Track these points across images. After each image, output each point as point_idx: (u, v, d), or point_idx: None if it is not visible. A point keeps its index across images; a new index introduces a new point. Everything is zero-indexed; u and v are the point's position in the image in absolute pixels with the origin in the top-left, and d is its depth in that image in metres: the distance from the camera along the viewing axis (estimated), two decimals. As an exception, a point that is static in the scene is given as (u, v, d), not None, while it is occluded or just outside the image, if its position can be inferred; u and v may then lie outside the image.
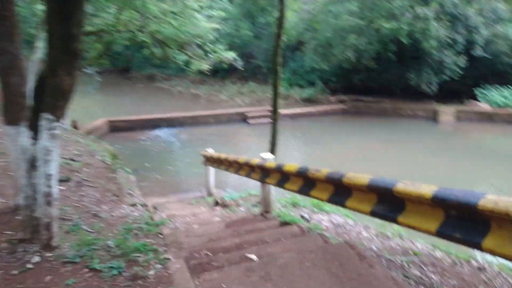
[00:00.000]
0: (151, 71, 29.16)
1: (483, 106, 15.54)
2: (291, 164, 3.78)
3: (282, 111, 16.88)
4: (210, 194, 8.07)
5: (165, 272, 2.42)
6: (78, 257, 2.52)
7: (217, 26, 10.15)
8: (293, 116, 16.59)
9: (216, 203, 6.94)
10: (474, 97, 16.30)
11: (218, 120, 15.78)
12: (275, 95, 5.82)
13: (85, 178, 5.19)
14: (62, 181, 4.84)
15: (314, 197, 3.31)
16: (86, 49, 11.82)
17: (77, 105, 20.28)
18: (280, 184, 4.01)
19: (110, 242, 2.76)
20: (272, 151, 6.10)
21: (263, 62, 23.40)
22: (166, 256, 2.65)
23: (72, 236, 2.94)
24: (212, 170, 7.97)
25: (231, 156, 6.05)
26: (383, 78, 19.41)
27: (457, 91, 17.84)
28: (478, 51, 15.68)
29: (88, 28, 9.20)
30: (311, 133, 14.88)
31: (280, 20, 5.43)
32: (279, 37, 5.68)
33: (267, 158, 4.82)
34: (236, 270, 2.58)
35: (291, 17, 18.47)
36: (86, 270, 2.38)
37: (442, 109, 15.67)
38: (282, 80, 22.17)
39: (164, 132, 14.53)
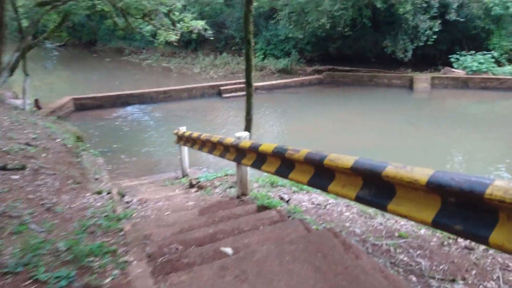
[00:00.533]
0: (118, 44, 27.72)
1: (458, 72, 15.56)
2: (268, 143, 3.46)
3: (258, 83, 16.45)
4: (185, 175, 7.72)
5: (123, 279, 2.09)
6: (21, 266, 2.14)
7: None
8: (269, 88, 16.18)
9: (191, 185, 6.61)
10: (449, 63, 16.28)
11: (192, 94, 15.19)
12: (248, 67, 5.40)
13: (43, 165, 4.72)
14: (15, 169, 4.37)
15: (293, 180, 3.03)
16: (42, 21, 10.88)
17: (40, 82, 19.36)
18: (256, 165, 3.70)
19: (60, 245, 2.39)
20: (248, 127, 5.75)
21: (236, 31, 22.59)
22: (125, 258, 2.31)
23: (17, 238, 2.55)
24: (186, 150, 7.57)
25: (204, 135, 5.67)
26: (359, 46, 19.14)
27: (431, 57, 17.79)
28: (452, 15, 15.50)
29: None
30: (288, 106, 14.57)
31: None
32: (249, 2, 5.20)
33: (242, 137, 4.48)
34: (208, 270, 2.28)
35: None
36: (29, 282, 2.02)
37: (417, 77, 15.61)
38: (256, 51, 21.53)
39: (135, 109, 13.86)
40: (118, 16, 9.55)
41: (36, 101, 12.39)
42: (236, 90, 15.26)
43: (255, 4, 19.67)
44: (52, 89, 18.19)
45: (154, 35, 10.07)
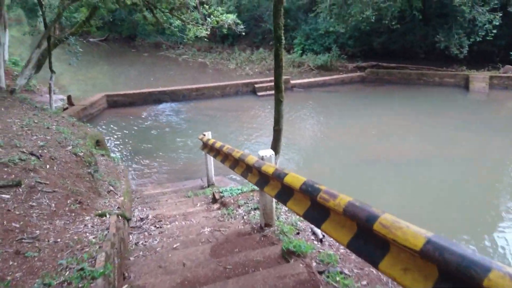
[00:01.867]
0: (156, 39, 27.70)
1: (522, 71, 13.76)
2: (295, 175, 2.67)
3: (295, 80, 15.53)
4: (210, 184, 7.09)
5: None
6: None
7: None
8: (307, 86, 15.21)
9: (214, 199, 5.96)
10: (509, 61, 14.47)
11: (225, 92, 14.55)
12: (278, 68, 4.58)
13: (42, 181, 4.17)
14: (8, 186, 3.85)
15: (328, 234, 2.23)
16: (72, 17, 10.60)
17: (84, 76, 19.63)
18: (281, 198, 2.94)
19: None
20: (276, 140, 4.93)
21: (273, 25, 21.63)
22: None
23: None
24: (211, 157, 6.92)
25: (226, 147, 4.94)
26: (406, 40, 17.64)
27: (489, 53, 15.99)
28: (517, 7, 13.67)
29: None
30: (326, 106, 13.54)
31: None
32: None
33: (266, 157, 3.69)
34: None
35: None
36: None
37: (473, 75, 13.94)
38: (294, 46, 20.54)
39: (167, 107, 13.44)
40: (147, 10, 9.01)
41: (69, 97, 12.26)
42: (272, 88, 14.32)
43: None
44: (94, 84, 18.39)
45: (182, 29, 9.46)
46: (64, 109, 11.43)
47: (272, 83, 14.91)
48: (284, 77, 15.54)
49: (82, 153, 5.41)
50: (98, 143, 6.94)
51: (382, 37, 18.48)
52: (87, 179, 5.18)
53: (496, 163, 8.26)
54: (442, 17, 16.06)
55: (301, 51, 19.75)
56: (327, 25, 18.00)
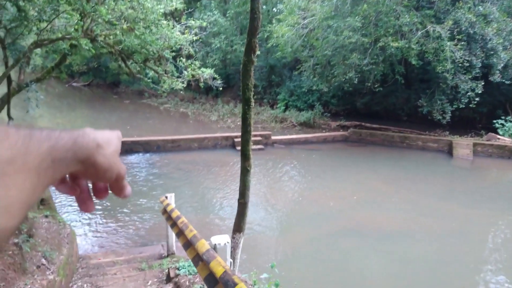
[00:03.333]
0: (140, 86, 27.50)
1: (504, 139, 13.67)
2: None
3: (276, 136, 15.10)
4: (170, 253, 6.21)
5: None
6: None
7: (193, 37, 8.39)
8: (288, 143, 14.76)
9: (168, 277, 5.07)
10: (491, 129, 14.46)
11: (203, 145, 13.93)
12: (245, 134, 3.97)
13: None
14: None
15: None
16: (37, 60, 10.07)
17: (63, 119, 18.87)
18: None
19: None
20: (240, 217, 4.18)
21: (259, 80, 21.76)
22: None
23: None
24: (171, 223, 6.09)
25: (181, 220, 4.18)
26: (389, 102, 17.73)
27: (470, 119, 16.08)
28: (496, 77, 13.89)
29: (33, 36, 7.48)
30: (307, 165, 12.99)
31: (252, 25, 3.67)
32: (251, 51, 3.90)
33: (220, 246, 2.95)
34: None
35: (286, 32, 16.87)
36: None
37: (457, 141, 13.75)
38: (278, 101, 20.48)
39: (139, 158, 12.65)
40: (121, 60, 8.56)
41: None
42: (252, 143, 13.91)
43: (277, 54, 18.94)
44: (73, 126, 17.64)
45: (156, 81, 9.02)
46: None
47: (254, 138, 14.45)
48: (265, 132, 14.96)
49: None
50: (43, 202, 6.07)
51: (365, 98, 18.58)
52: (10, 252, 4.27)
53: (479, 239, 7.67)
54: (425, 82, 16.27)
55: (284, 107, 19.63)
56: (310, 83, 18.06)
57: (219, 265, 2.48)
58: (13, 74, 8.30)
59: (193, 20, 9.25)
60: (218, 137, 14.27)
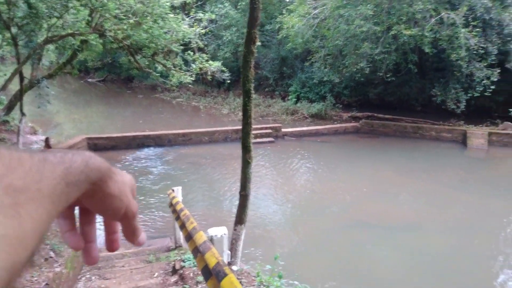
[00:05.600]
0: (153, 81, 27.71)
1: (521, 128, 13.31)
2: (233, 281, 1.95)
3: (286, 129, 15.04)
4: (178, 246, 6.30)
5: None
6: None
7: (202, 30, 8.38)
8: (299, 135, 14.68)
9: (174, 269, 5.15)
10: (508, 117, 14.04)
11: (213, 138, 13.99)
12: (246, 126, 3.96)
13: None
14: None
15: None
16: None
17: (79, 115, 19.34)
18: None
19: None
20: (242, 208, 4.19)
21: (270, 72, 21.66)
22: None
23: None
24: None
25: (184, 213, 4.21)
26: (402, 92, 17.40)
27: (486, 108, 15.65)
28: (514, 64, 13.48)
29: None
30: (318, 157, 12.90)
31: (252, 15, 3.63)
32: (251, 42, 3.85)
33: (216, 237, 2.96)
34: None
35: (297, 23, 16.68)
36: None
37: (471, 131, 13.43)
38: (290, 93, 20.35)
39: (150, 152, 12.80)
40: (129, 54, 8.64)
41: (47, 140, 11.65)
42: (263, 135, 13.91)
43: (288, 45, 18.77)
44: (89, 123, 18.11)
45: (165, 75, 9.07)
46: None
47: (264, 131, 14.40)
48: (276, 124, 14.84)
49: None
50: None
51: (378, 88, 18.27)
52: None
53: (494, 230, 7.50)
54: (439, 71, 15.88)
55: (295, 99, 19.49)
56: (322, 75, 17.87)
57: (213, 257, 2.50)
58: (26, 71, 8.48)
59: (202, 13, 9.23)
60: (228, 130, 14.30)
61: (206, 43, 14.08)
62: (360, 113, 17.32)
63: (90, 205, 0.48)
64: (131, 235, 0.53)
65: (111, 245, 0.54)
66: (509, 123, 13.62)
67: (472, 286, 5.83)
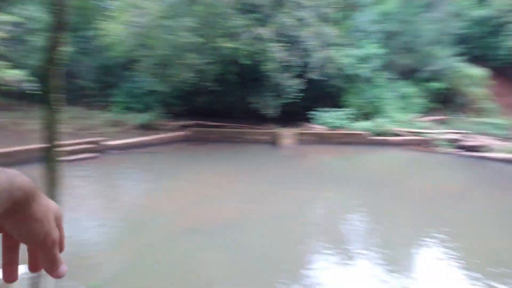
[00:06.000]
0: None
1: (319, 127, 16.06)
2: None
3: (110, 142, 14.00)
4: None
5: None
6: None
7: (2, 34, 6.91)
8: (124, 148, 13.87)
9: None
10: (309, 120, 16.82)
11: (18, 159, 11.81)
12: (52, 141, 3.35)
13: None
14: None
15: None
16: None
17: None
18: None
19: None
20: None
21: (90, 82, 19.96)
22: None
23: None
24: None
25: None
26: (227, 101, 18.61)
27: (295, 113, 18.18)
28: (313, 74, 16.17)
29: None
30: (146, 169, 12.46)
31: (57, 19, 3.15)
32: (54, 48, 3.32)
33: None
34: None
35: (119, 30, 15.88)
36: None
37: (281, 133, 15.52)
38: (113, 104, 19.13)
39: None
40: None
41: None
42: (80, 151, 12.55)
43: (109, 53, 17.64)
44: None
45: None
46: None
47: (82, 146, 12.95)
48: (97, 138, 13.54)
49: None
50: None
51: (206, 97, 18.96)
52: None
53: (302, 216, 8.67)
54: (255, 81, 17.60)
55: (121, 110, 18.45)
56: (149, 84, 17.48)
57: None
58: None
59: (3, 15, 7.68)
60: (31, 149, 12.18)
61: (10, 49, 11.91)
62: (189, 121, 17.66)
63: (9, 227, 0.46)
64: (50, 265, 0.50)
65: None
66: (309, 124, 16.34)
67: (285, 270, 6.45)
